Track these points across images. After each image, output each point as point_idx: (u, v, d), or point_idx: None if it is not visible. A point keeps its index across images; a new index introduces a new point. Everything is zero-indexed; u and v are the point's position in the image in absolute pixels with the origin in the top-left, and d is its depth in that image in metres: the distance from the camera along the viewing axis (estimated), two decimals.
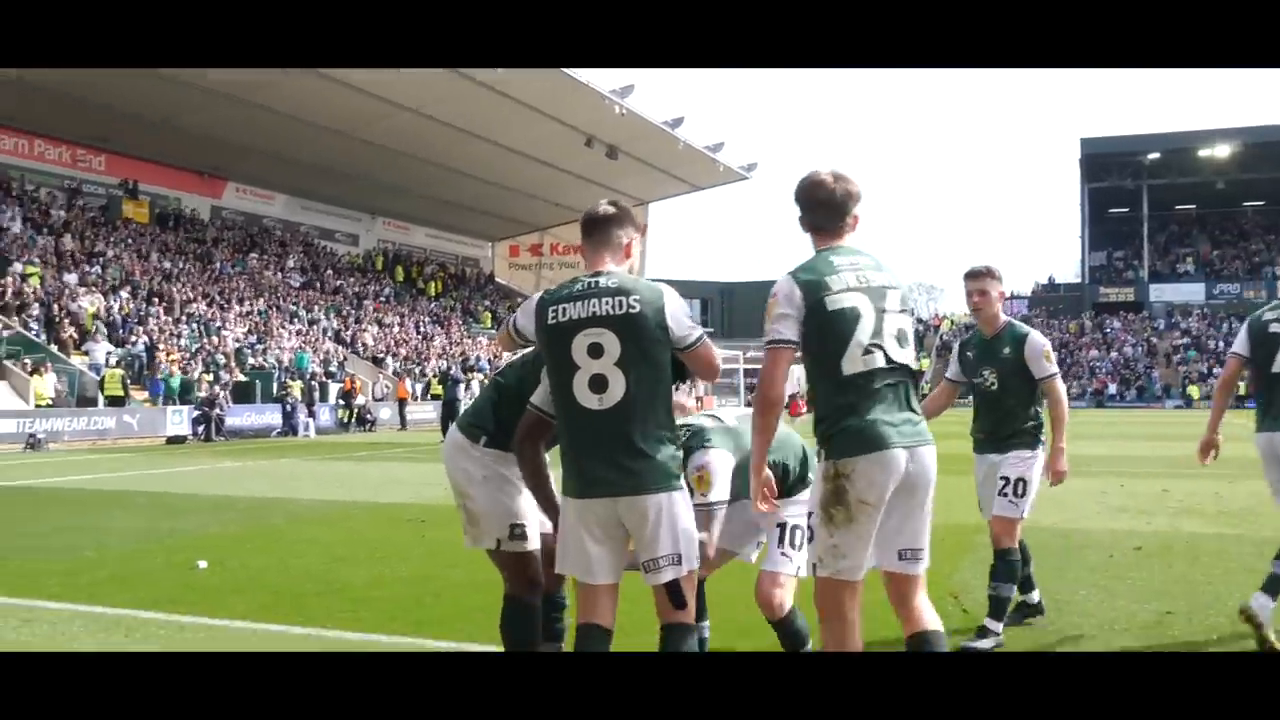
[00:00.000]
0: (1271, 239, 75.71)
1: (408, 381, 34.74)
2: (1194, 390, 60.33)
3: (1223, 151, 70.51)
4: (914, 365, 3.55)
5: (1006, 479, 5.55)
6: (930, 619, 3.59)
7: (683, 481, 3.56)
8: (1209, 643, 5.39)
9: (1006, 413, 5.66)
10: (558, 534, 3.67)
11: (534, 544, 4.10)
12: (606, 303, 3.46)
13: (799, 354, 3.54)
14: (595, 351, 3.45)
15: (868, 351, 3.45)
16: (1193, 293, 72.61)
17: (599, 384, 3.44)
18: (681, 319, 3.53)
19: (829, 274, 3.48)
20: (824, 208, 3.62)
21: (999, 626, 5.33)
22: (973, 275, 5.74)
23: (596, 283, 3.53)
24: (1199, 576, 7.24)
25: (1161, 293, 73.06)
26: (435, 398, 34.55)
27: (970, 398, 5.96)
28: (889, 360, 3.47)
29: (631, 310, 3.45)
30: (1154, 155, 71.83)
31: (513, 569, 4.15)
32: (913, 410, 3.52)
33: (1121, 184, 73.98)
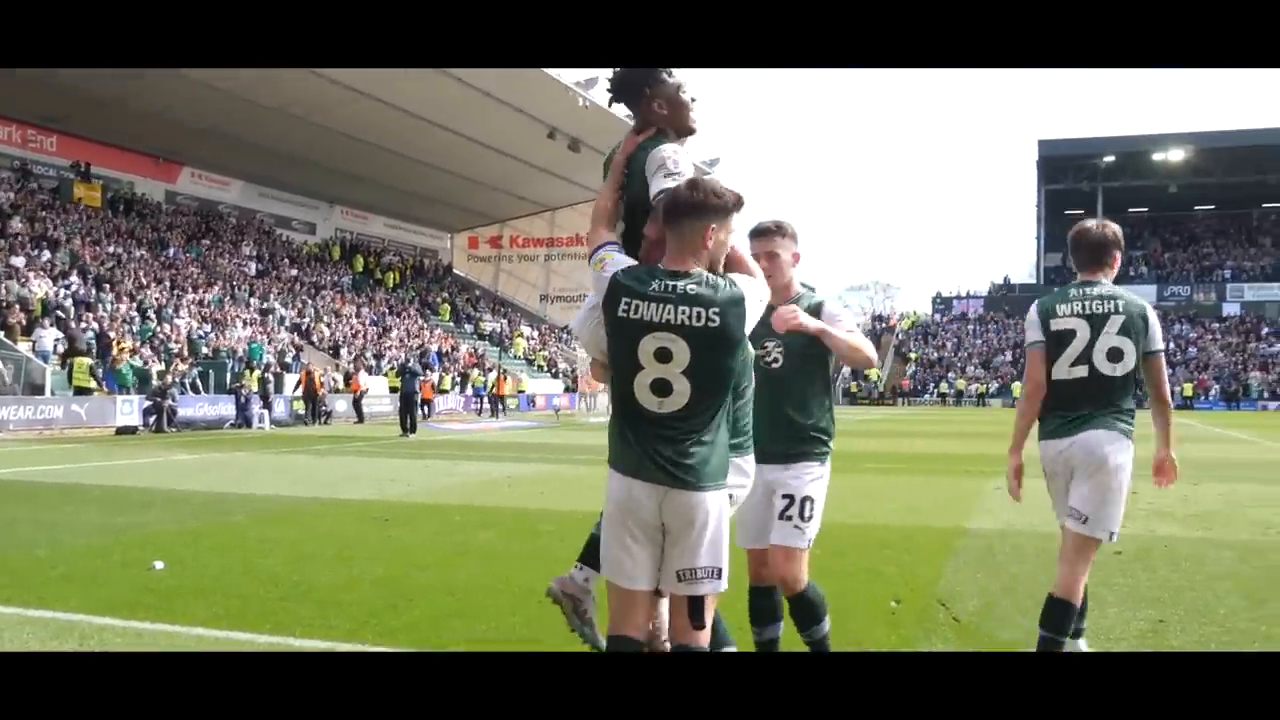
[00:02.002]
0: (1221, 243, 76.96)
1: (363, 374, 34.14)
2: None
3: (1176, 155, 71.59)
4: (1117, 375, 4.53)
5: (791, 497, 4.30)
6: (1065, 588, 4.53)
7: (728, 487, 3.38)
8: (1207, 653, 5.26)
9: (795, 405, 4.38)
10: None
11: None
12: (685, 311, 3.23)
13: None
14: (663, 356, 3.24)
15: (1075, 364, 4.55)
16: (1144, 294, 72.00)
17: (662, 388, 3.27)
18: (753, 320, 3.38)
19: (1060, 303, 4.64)
20: (1081, 250, 4.73)
21: None
22: (759, 234, 4.43)
23: (681, 286, 3.26)
24: (1183, 582, 7.15)
25: None
26: (393, 390, 34.09)
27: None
28: (1094, 372, 4.53)
29: (711, 325, 3.24)
30: (1109, 158, 72.82)
31: None
32: (1109, 409, 4.54)
33: (1077, 186, 74.89)
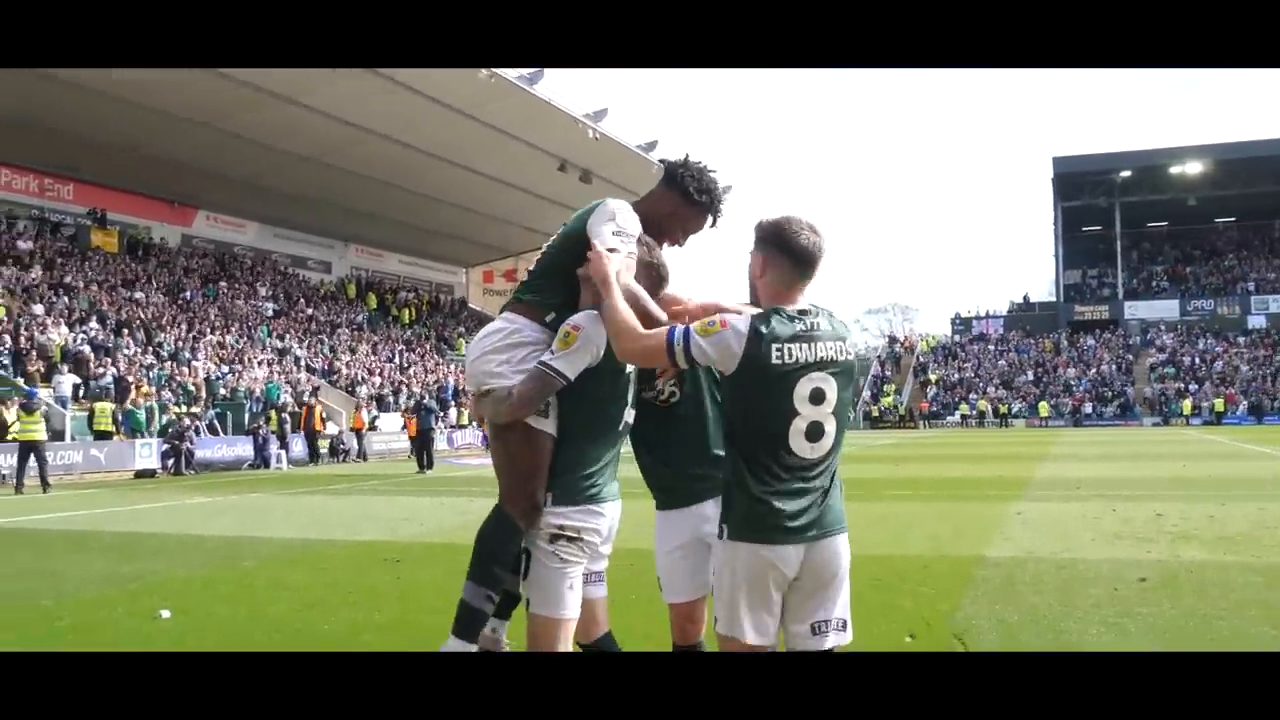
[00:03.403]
0: (1244, 254, 76.48)
1: (364, 412, 34.16)
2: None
3: (1194, 169, 71.31)
4: None
5: None
6: None
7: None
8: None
9: (699, 440, 3.96)
10: (719, 583, 3.31)
11: (550, 427, 3.72)
12: (831, 346, 3.26)
13: None
14: (817, 397, 3.22)
15: None
16: (1167, 309, 73.15)
17: (815, 432, 3.23)
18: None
19: None
20: None
21: None
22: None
23: (818, 323, 3.28)
24: (1209, 610, 6.97)
25: (1136, 310, 73.57)
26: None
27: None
28: None
29: (848, 357, 3.32)
30: (1125, 173, 72.58)
31: (517, 458, 3.73)
32: None
33: (1094, 202, 74.63)
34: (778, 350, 3.17)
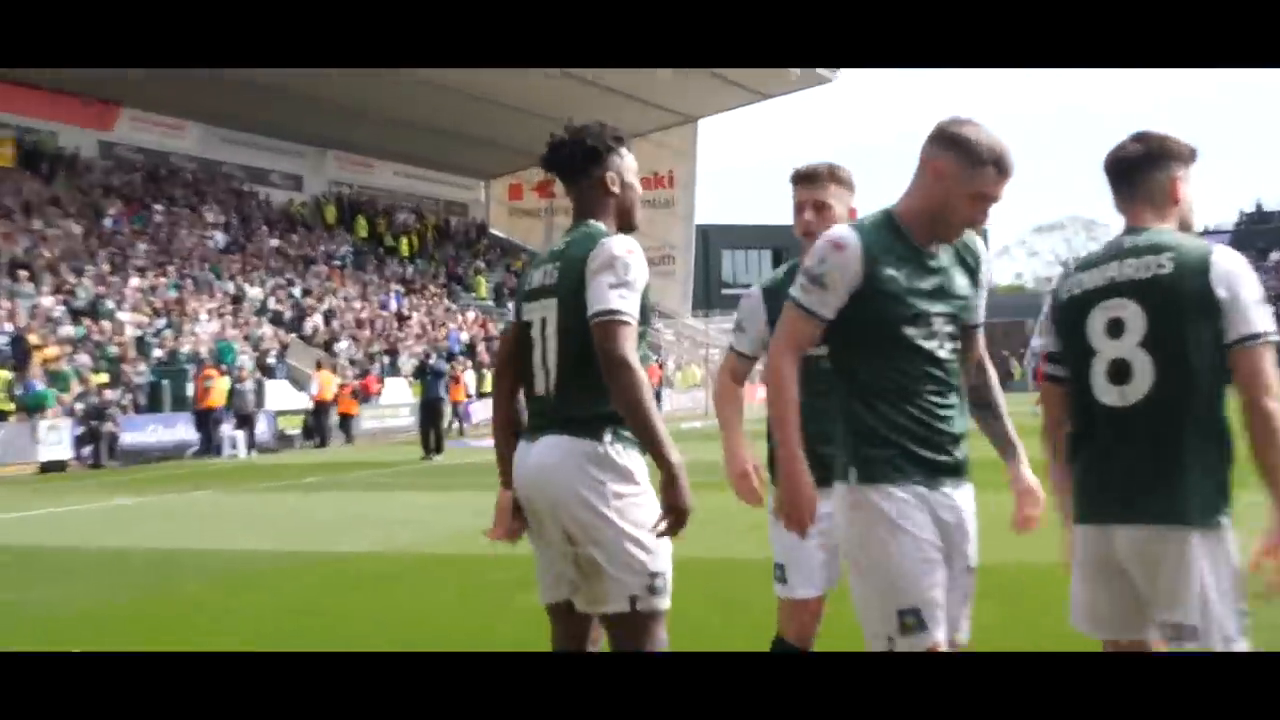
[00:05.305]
0: None
1: (323, 374, 34.31)
2: None
3: None
4: None
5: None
6: None
7: (1230, 522, 3.29)
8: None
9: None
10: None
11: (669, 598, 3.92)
12: (1129, 265, 3.40)
13: None
14: (1115, 329, 3.39)
15: None
16: None
17: (1120, 373, 3.36)
18: (1243, 295, 3.28)
19: None
20: None
21: None
22: (806, 178, 4.34)
23: (1127, 243, 3.48)
24: None
25: None
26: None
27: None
28: None
29: (1161, 271, 3.34)
30: None
31: (640, 634, 3.85)
32: None
33: None
34: (1073, 281, 3.69)
